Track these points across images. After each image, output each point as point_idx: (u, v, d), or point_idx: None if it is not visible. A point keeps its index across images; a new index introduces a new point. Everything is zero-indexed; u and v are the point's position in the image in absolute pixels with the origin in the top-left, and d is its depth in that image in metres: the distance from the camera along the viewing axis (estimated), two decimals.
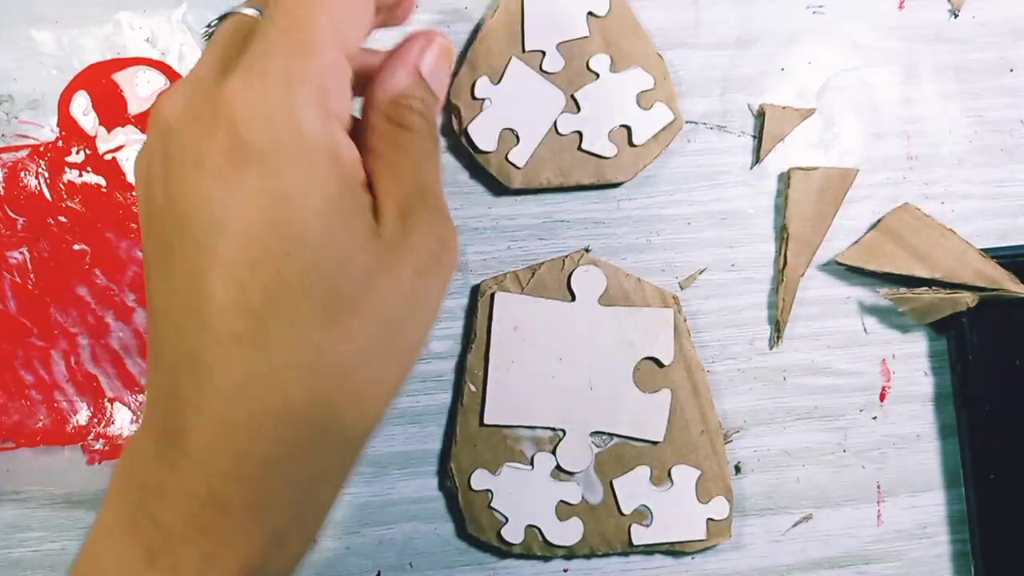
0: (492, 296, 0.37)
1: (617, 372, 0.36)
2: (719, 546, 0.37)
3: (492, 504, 0.36)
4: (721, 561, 0.37)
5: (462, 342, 0.38)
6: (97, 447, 0.36)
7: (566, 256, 0.37)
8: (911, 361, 0.38)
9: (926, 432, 0.38)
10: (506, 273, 0.37)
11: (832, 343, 0.38)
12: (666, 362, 0.37)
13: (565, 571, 0.37)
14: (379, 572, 0.37)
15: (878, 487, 0.38)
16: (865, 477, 0.38)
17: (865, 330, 0.38)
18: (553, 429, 0.36)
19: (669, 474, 0.36)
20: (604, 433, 0.36)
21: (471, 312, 0.37)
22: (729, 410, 0.38)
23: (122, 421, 0.36)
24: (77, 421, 0.36)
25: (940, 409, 0.38)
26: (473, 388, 0.36)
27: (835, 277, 0.38)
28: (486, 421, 0.36)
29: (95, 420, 0.36)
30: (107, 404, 0.37)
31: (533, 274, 0.37)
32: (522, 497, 0.36)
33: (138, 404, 0.37)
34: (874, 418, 0.38)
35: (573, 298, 0.37)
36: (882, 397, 0.38)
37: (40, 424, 0.36)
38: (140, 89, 0.38)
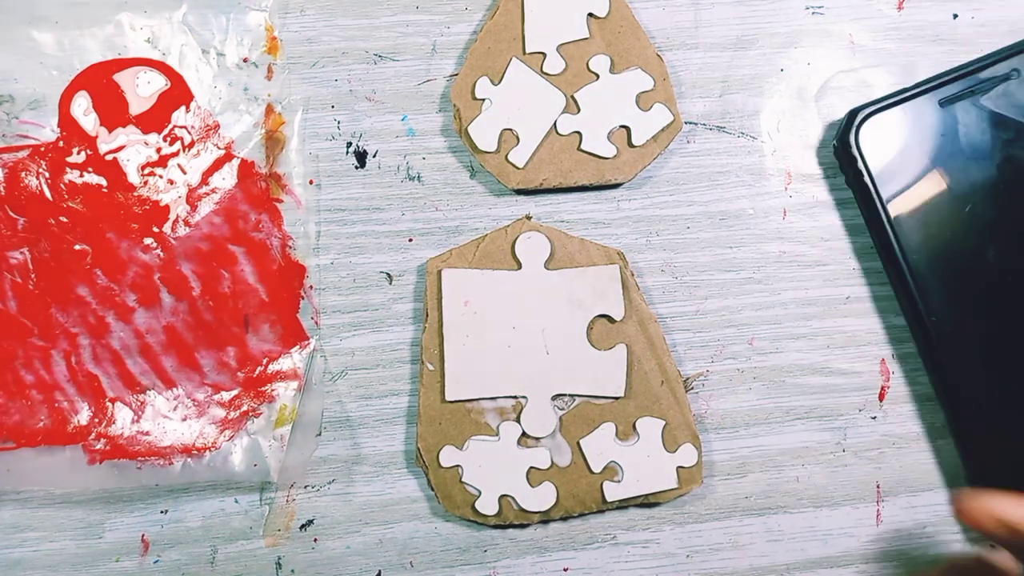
0: (439, 274, 0.37)
1: (571, 333, 0.37)
2: (719, 546, 0.37)
3: (463, 479, 0.36)
4: (721, 560, 0.37)
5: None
6: (98, 447, 0.36)
7: (507, 226, 0.37)
8: (910, 361, 0.38)
9: (926, 432, 0.38)
10: (451, 250, 0.37)
11: (831, 343, 0.38)
12: (617, 318, 0.37)
13: (566, 570, 0.37)
14: (379, 571, 0.37)
15: (877, 487, 0.38)
16: (864, 477, 0.38)
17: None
18: (515, 397, 0.37)
19: (634, 428, 0.37)
20: (566, 395, 0.37)
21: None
22: (729, 410, 0.38)
23: (123, 421, 0.36)
24: (78, 421, 0.36)
25: (940, 409, 0.38)
26: (431, 367, 0.37)
27: (834, 277, 0.38)
28: (448, 397, 0.36)
29: (96, 420, 0.36)
30: (108, 404, 0.37)
31: (477, 248, 0.37)
32: (492, 468, 0.36)
33: (139, 404, 0.37)
34: (873, 418, 0.38)
35: (520, 266, 0.37)
36: (881, 397, 0.38)
37: (41, 424, 0.36)
38: (141, 90, 0.38)
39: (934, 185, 0.36)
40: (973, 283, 0.36)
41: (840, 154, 0.37)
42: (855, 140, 0.36)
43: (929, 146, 0.36)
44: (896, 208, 0.36)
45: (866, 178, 0.36)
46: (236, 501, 0.37)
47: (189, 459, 0.36)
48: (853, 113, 0.37)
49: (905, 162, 0.36)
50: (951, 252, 0.36)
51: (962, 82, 0.37)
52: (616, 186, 0.38)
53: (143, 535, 0.37)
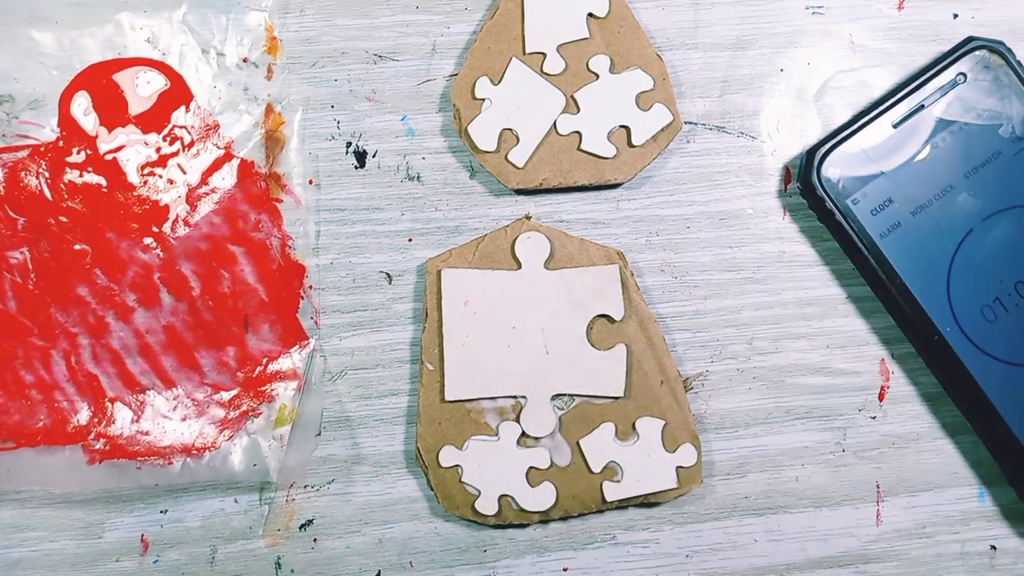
0: (439, 273, 0.37)
1: (571, 333, 0.37)
2: (719, 546, 0.37)
3: (463, 479, 0.36)
4: (721, 560, 0.37)
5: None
6: (98, 447, 0.36)
7: (507, 226, 0.37)
8: (910, 361, 0.38)
9: (925, 432, 0.38)
10: (451, 250, 0.37)
11: (831, 343, 0.38)
12: (617, 317, 0.37)
13: (566, 570, 0.37)
14: (379, 571, 0.37)
15: (877, 487, 0.38)
16: (864, 477, 0.38)
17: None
18: (515, 397, 0.37)
19: (634, 428, 0.36)
20: (565, 395, 0.37)
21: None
22: (729, 410, 0.38)
23: (123, 421, 0.36)
24: (77, 421, 0.36)
25: (939, 408, 0.38)
26: (430, 367, 0.37)
27: (833, 276, 0.38)
28: (447, 397, 0.36)
29: (96, 420, 0.36)
30: (108, 404, 0.37)
31: (477, 248, 0.37)
32: (491, 468, 0.36)
33: (139, 404, 0.37)
34: (873, 418, 0.38)
35: (519, 266, 0.37)
36: (881, 397, 0.38)
37: (40, 424, 0.36)
38: (141, 89, 0.38)
39: (906, 206, 0.36)
40: (967, 292, 0.36)
41: (806, 195, 0.37)
42: (818, 180, 0.36)
43: (893, 169, 0.36)
44: (872, 237, 0.36)
45: (837, 216, 0.36)
46: (236, 501, 0.37)
47: (189, 459, 0.36)
48: (811, 153, 0.37)
49: (872, 190, 0.36)
50: (938, 268, 0.36)
51: (911, 99, 0.37)
52: (616, 186, 0.38)
53: (143, 535, 0.37)
